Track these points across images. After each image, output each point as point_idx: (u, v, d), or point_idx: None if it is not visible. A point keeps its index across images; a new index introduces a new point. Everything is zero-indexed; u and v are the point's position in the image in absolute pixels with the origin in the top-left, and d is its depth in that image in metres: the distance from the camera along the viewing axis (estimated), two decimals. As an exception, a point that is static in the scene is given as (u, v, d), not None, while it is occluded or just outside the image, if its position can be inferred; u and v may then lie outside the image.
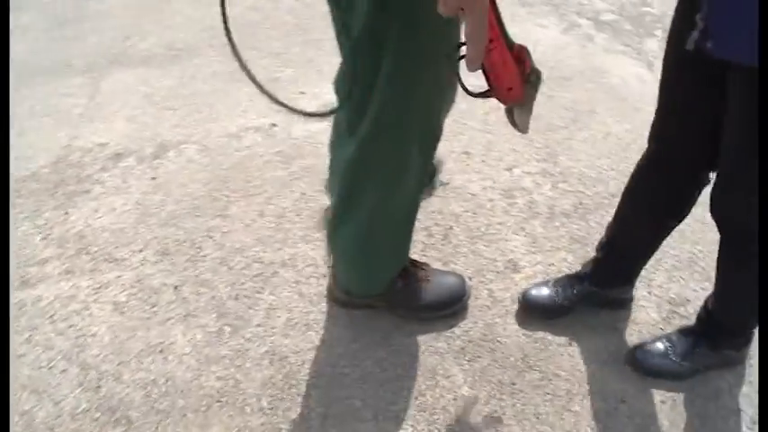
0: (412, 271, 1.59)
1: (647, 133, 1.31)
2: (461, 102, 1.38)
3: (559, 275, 1.65)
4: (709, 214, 1.28)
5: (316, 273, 1.72)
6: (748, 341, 1.52)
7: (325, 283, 1.69)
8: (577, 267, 1.68)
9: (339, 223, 1.44)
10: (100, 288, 1.70)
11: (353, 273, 1.56)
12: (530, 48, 1.01)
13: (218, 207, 1.89)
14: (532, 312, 1.60)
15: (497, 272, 1.71)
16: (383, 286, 1.56)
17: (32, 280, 1.70)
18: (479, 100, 1.20)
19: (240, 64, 1.00)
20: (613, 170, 2.00)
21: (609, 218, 1.50)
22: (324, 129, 2.10)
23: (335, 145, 1.38)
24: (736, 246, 1.32)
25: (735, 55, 1.05)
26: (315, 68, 2.36)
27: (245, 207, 1.89)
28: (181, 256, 1.77)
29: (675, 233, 1.47)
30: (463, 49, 0.90)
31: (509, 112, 1.05)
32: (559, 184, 1.94)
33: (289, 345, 1.55)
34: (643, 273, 1.60)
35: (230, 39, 1.00)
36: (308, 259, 1.75)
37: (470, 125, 2.14)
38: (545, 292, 1.60)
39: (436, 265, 1.69)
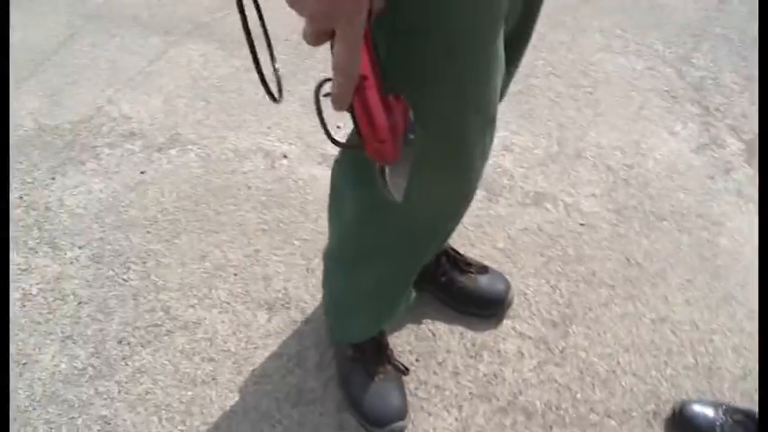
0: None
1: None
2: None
3: None
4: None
5: (207, 350, 1.48)
6: None
7: (208, 367, 1.45)
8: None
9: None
10: (25, 270, 1.64)
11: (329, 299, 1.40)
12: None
13: (171, 231, 1.71)
14: None
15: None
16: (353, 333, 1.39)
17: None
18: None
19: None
20: (635, 377, 1.41)
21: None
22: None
23: None
24: None
25: None
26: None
27: (195, 242, 1.68)
28: (107, 270, 1.64)
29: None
30: (328, 86, 0.68)
31: (381, 173, 0.80)
32: (548, 367, 1.43)
33: (127, 423, 1.36)
34: None
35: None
36: (210, 331, 1.51)
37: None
38: None
39: None
